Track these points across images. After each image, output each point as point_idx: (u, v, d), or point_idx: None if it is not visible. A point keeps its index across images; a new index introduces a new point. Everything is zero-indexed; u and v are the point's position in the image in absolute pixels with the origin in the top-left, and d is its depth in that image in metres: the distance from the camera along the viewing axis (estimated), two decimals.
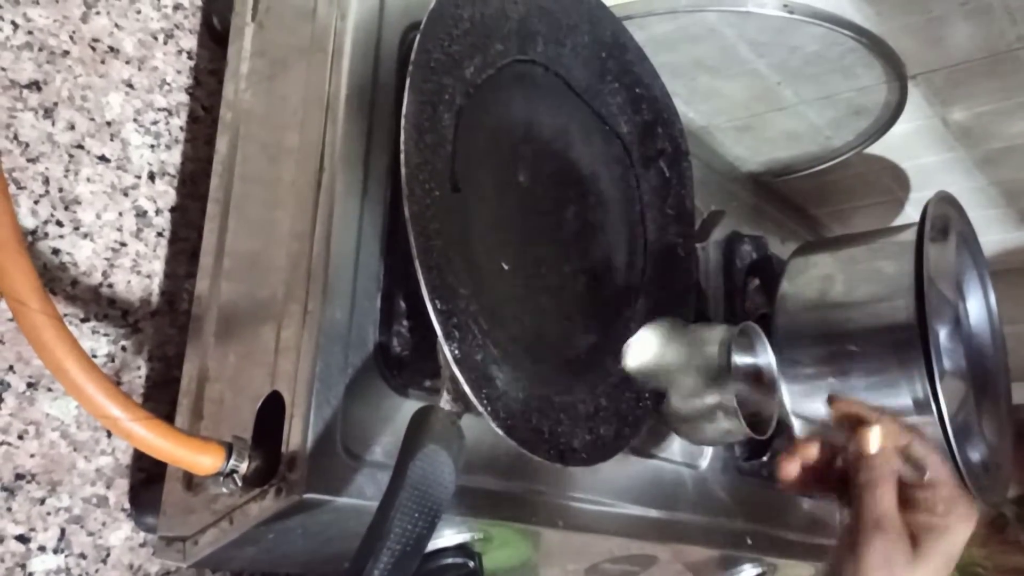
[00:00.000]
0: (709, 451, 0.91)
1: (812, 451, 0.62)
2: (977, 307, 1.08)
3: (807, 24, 0.86)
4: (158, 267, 0.75)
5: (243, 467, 0.56)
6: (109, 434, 0.70)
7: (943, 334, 0.97)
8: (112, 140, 0.73)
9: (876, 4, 0.84)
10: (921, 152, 1.12)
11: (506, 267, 0.66)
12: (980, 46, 0.90)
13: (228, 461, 0.56)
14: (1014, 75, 0.94)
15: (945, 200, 0.99)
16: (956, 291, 1.04)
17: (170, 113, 0.78)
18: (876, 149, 1.10)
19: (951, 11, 0.84)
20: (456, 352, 0.54)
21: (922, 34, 0.88)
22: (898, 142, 1.09)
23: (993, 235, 1.34)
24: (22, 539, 0.64)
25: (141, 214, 0.75)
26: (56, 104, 0.70)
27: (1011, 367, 1.11)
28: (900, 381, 0.88)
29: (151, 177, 0.76)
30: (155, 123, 0.77)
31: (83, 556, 0.68)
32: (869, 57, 0.91)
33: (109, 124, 0.73)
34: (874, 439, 0.58)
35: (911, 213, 1.27)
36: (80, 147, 0.71)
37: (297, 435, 0.56)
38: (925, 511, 0.56)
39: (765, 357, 0.87)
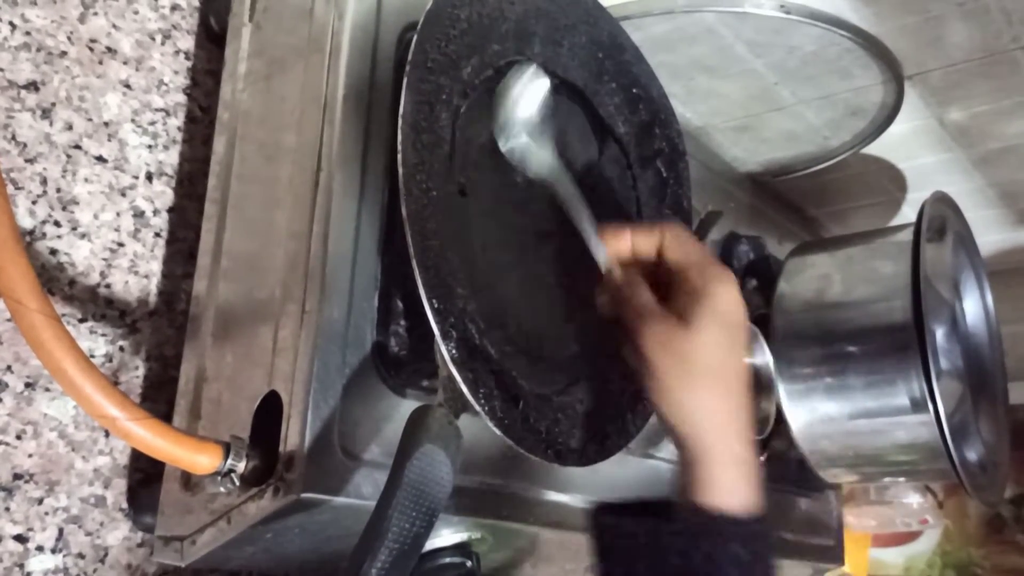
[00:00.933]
0: None
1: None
2: (974, 307, 1.09)
3: (804, 25, 0.86)
4: (156, 267, 0.75)
5: (241, 467, 0.56)
6: (107, 434, 0.70)
7: (940, 334, 0.97)
8: (110, 140, 0.73)
9: (873, 5, 0.84)
10: (918, 152, 1.13)
11: (499, 264, 0.66)
12: (977, 47, 0.90)
13: (226, 461, 0.56)
14: (1011, 75, 0.95)
15: (942, 200, 1.00)
16: (953, 291, 1.04)
17: (168, 113, 0.78)
18: (873, 149, 1.11)
19: (948, 12, 0.85)
20: (453, 352, 0.54)
21: (919, 35, 0.88)
22: (895, 142, 1.09)
23: (990, 235, 1.35)
24: (20, 539, 0.65)
25: (139, 214, 0.75)
26: (54, 104, 0.70)
27: (1008, 367, 1.12)
28: (897, 381, 0.89)
29: (149, 177, 0.76)
30: (153, 123, 0.77)
31: (81, 556, 0.68)
32: (866, 57, 0.92)
33: (107, 124, 0.73)
34: (601, 259, 0.60)
35: (908, 213, 1.27)
36: (78, 147, 0.71)
37: (295, 435, 0.56)
38: (680, 290, 0.57)
39: (762, 357, 0.87)
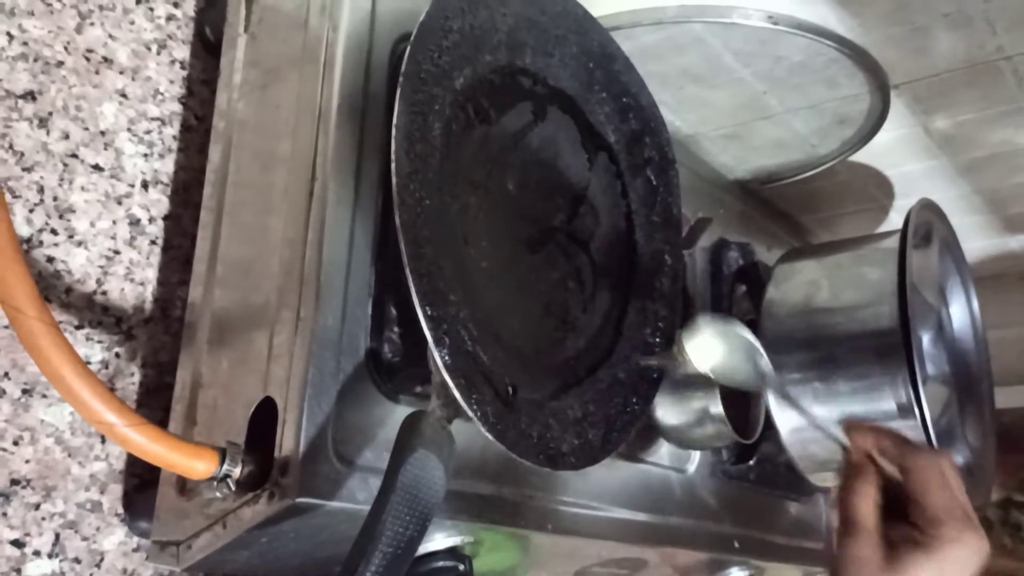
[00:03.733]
0: (696, 455, 0.92)
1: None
2: (960, 313, 1.10)
3: (791, 35, 0.87)
4: (151, 275, 0.76)
5: (236, 472, 0.57)
6: (103, 440, 0.71)
7: (926, 339, 0.98)
8: (106, 149, 0.74)
9: (859, 15, 0.85)
10: (904, 160, 1.14)
11: (492, 271, 0.67)
12: (961, 56, 0.91)
13: (222, 466, 0.56)
14: (995, 85, 0.96)
15: (928, 207, 1.01)
16: (939, 297, 1.05)
17: (163, 122, 0.79)
18: (860, 157, 1.12)
19: (933, 22, 0.86)
20: (446, 358, 0.55)
21: (904, 45, 0.89)
22: (882, 150, 1.10)
23: (976, 242, 1.36)
24: (17, 544, 0.65)
25: (135, 222, 0.75)
26: (51, 114, 0.71)
27: (994, 372, 1.12)
28: (884, 386, 0.89)
29: (144, 186, 0.77)
30: (148, 132, 0.77)
31: (77, 561, 0.68)
32: (852, 67, 0.93)
33: (103, 133, 0.74)
34: (851, 443, 0.57)
35: (895, 220, 1.29)
36: (74, 156, 0.72)
37: (290, 440, 0.57)
38: (912, 528, 0.52)
39: (760, 362, 0.88)
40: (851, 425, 0.57)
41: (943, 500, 0.52)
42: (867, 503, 0.54)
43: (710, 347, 0.64)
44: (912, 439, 0.56)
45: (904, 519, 0.53)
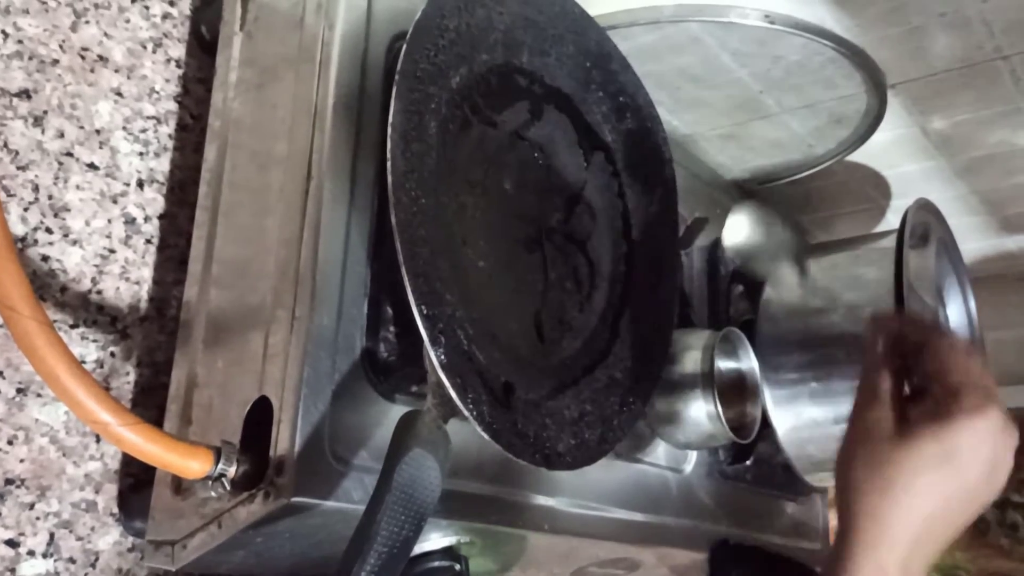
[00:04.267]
0: (693, 455, 0.92)
1: None
2: (957, 313, 1.10)
3: (788, 35, 0.87)
4: (147, 274, 0.76)
5: (231, 471, 0.57)
6: (98, 439, 0.70)
7: None
8: (101, 148, 0.74)
9: (856, 15, 0.85)
10: (901, 160, 1.14)
11: (489, 271, 0.67)
12: (958, 57, 0.91)
13: (217, 465, 0.56)
14: (992, 85, 0.96)
15: (925, 207, 1.01)
16: (936, 297, 1.05)
17: (159, 121, 0.79)
18: (857, 157, 1.12)
19: (930, 22, 0.86)
20: (442, 357, 0.55)
21: (901, 45, 0.89)
22: (879, 150, 1.10)
23: (973, 242, 1.36)
24: (11, 544, 0.65)
25: (130, 221, 0.75)
26: (46, 112, 0.71)
27: (991, 373, 1.12)
28: None
29: (140, 184, 0.76)
30: (144, 131, 0.77)
31: (72, 560, 0.68)
32: (849, 67, 0.93)
33: (98, 132, 0.74)
34: (873, 329, 0.56)
35: (892, 220, 1.28)
36: (69, 155, 0.72)
37: (285, 440, 0.56)
38: (927, 398, 0.51)
39: (748, 362, 0.88)
40: (874, 314, 0.57)
41: (964, 373, 0.50)
42: (884, 378, 0.53)
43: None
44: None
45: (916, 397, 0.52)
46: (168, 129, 0.79)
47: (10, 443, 0.66)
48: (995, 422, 0.49)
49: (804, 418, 0.94)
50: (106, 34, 0.76)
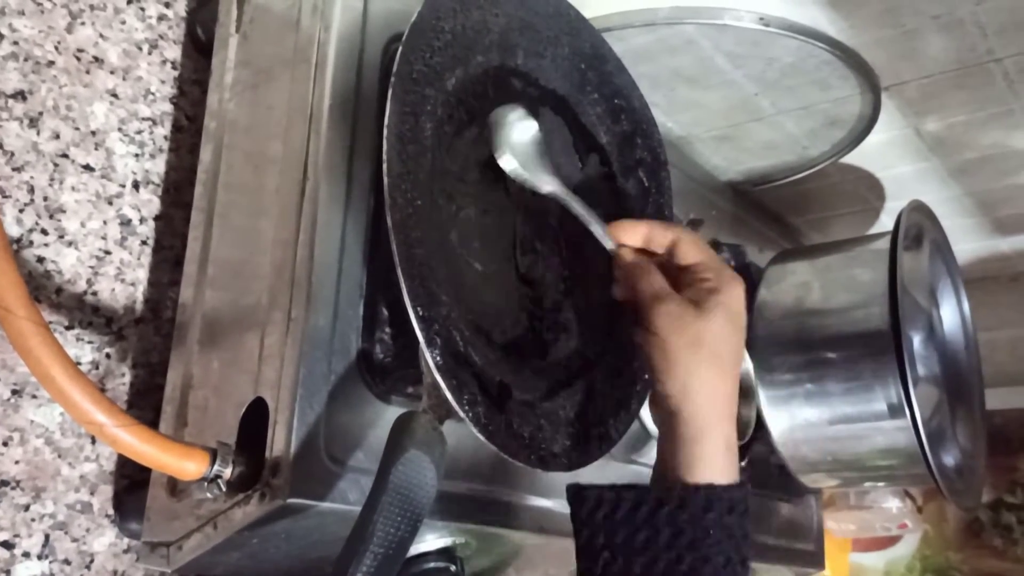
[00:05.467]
0: None
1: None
2: (951, 314, 1.10)
3: (783, 37, 0.87)
4: (142, 275, 0.76)
5: (227, 472, 0.57)
6: (93, 441, 0.70)
7: (917, 341, 0.99)
8: (97, 149, 0.74)
9: (850, 17, 0.86)
10: (895, 162, 1.14)
11: (484, 272, 0.67)
12: (952, 59, 0.92)
13: (212, 466, 0.56)
14: (985, 87, 0.96)
15: (919, 209, 1.01)
16: (930, 298, 1.06)
17: (154, 122, 0.79)
18: (851, 159, 1.12)
19: (923, 24, 0.86)
20: (438, 359, 0.55)
21: (895, 47, 0.90)
22: (873, 152, 1.10)
23: (966, 244, 1.37)
24: (6, 545, 0.65)
25: (125, 222, 0.75)
26: (41, 113, 0.71)
27: (984, 373, 1.13)
28: (875, 387, 0.90)
29: (135, 186, 0.76)
30: (139, 132, 0.77)
31: (67, 562, 0.68)
32: (844, 69, 0.93)
33: (94, 133, 0.74)
34: (609, 245, 0.65)
35: (886, 222, 1.29)
36: (65, 156, 0.72)
37: (281, 441, 0.56)
38: (696, 283, 0.61)
39: (743, 364, 0.88)
40: (616, 226, 0.65)
41: (714, 258, 0.63)
42: (658, 278, 0.61)
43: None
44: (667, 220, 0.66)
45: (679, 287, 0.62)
46: (164, 130, 0.79)
47: (5, 444, 0.66)
48: (741, 283, 0.62)
49: (799, 419, 0.95)
50: (102, 35, 0.76)
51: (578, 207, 0.65)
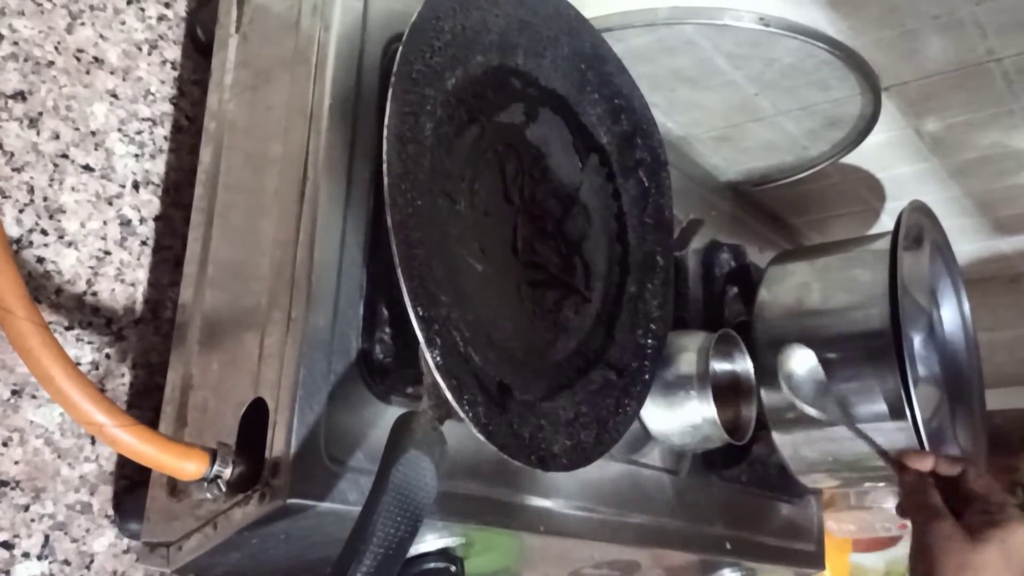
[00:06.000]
0: (688, 457, 0.92)
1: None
2: (951, 315, 1.10)
3: (783, 37, 0.87)
4: (142, 275, 0.76)
5: (227, 473, 0.57)
6: (93, 441, 0.70)
7: (917, 341, 0.99)
8: (96, 149, 0.74)
9: (850, 18, 0.86)
10: (895, 162, 1.14)
11: (484, 272, 0.67)
12: (952, 59, 0.92)
13: (212, 467, 0.56)
14: (985, 87, 0.96)
15: (919, 209, 1.01)
16: (930, 299, 1.06)
17: (154, 123, 0.79)
18: (851, 159, 1.12)
19: (923, 25, 0.86)
20: (438, 359, 0.55)
21: (895, 47, 0.90)
22: (873, 152, 1.10)
23: (967, 244, 1.37)
24: (6, 545, 0.65)
25: (125, 223, 0.75)
26: (41, 114, 0.71)
27: (984, 374, 1.13)
28: (875, 387, 0.90)
29: (135, 186, 0.76)
30: (139, 133, 0.77)
31: (67, 562, 0.68)
32: (843, 69, 0.93)
33: (94, 134, 0.74)
34: (902, 465, 0.71)
35: (886, 222, 1.29)
36: (65, 156, 0.72)
37: (281, 441, 0.56)
38: (977, 513, 0.64)
39: (743, 364, 0.89)
40: (906, 454, 0.72)
41: (1000, 494, 0.65)
42: (936, 498, 0.65)
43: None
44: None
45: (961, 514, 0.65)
46: (163, 131, 0.79)
47: (5, 445, 0.66)
48: None
49: (800, 421, 0.95)
50: (102, 36, 0.76)
51: (863, 435, 0.75)
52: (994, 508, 0.64)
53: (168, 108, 0.80)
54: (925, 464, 0.70)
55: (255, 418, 0.59)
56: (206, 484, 0.57)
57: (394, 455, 0.53)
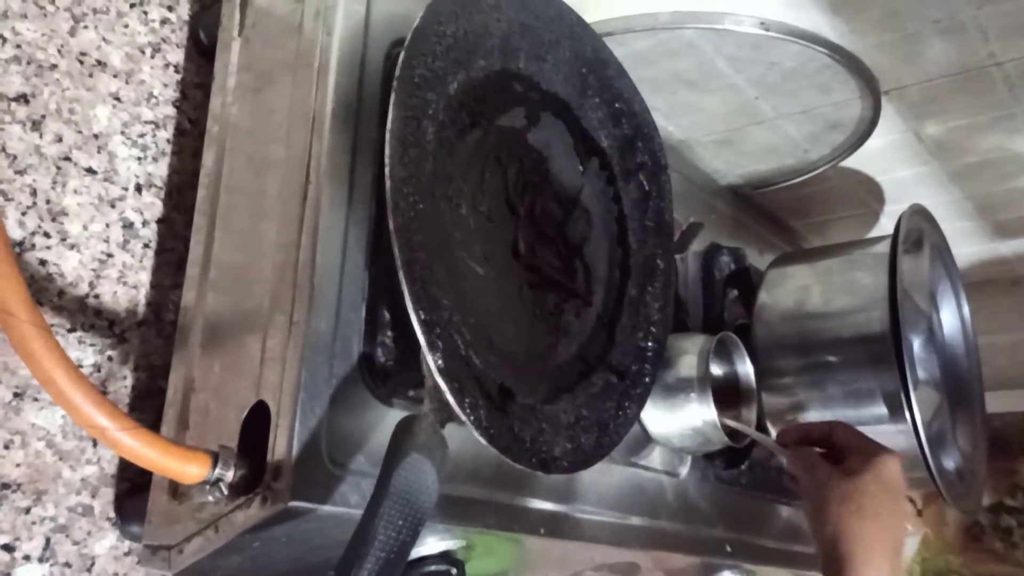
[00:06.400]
0: (688, 459, 0.92)
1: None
2: (951, 318, 1.10)
3: (783, 41, 0.87)
4: (144, 278, 0.76)
5: (229, 476, 0.57)
6: (95, 444, 0.70)
7: (917, 344, 0.99)
8: (99, 152, 0.74)
9: (850, 22, 0.86)
10: (896, 166, 1.14)
11: (485, 276, 0.67)
12: (953, 63, 0.92)
13: (214, 470, 0.56)
14: (986, 91, 0.97)
15: (919, 213, 1.01)
16: (930, 302, 1.06)
17: (157, 126, 0.79)
18: (852, 163, 1.12)
19: (924, 28, 0.86)
20: (439, 362, 0.55)
21: (896, 51, 0.90)
22: (873, 156, 1.11)
23: (966, 247, 1.37)
24: (7, 548, 0.65)
25: (128, 225, 0.75)
26: (44, 117, 0.71)
27: (984, 377, 1.13)
28: (875, 390, 0.90)
29: (138, 189, 0.76)
30: (142, 136, 0.77)
31: (68, 565, 0.68)
32: (844, 73, 0.93)
33: (96, 137, 0.74)
34: (778, 443, 0.76)
35: (886, 225, 1.29)
36: (67, 159, 0.72)
37: (282, 444, 0.57)
38: (849, 457, 0.69)
39: (743, 367, 0.89)
40: (780, 433, 0.77)
41: (867, 439, 0.71)
42: (815, 454, 0.71)
43: None
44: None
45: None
46: (166, 134, 0.79)
47: (6, 447, 0.66)
48: (897, 459, 0.69)
49: (799, 422, 0.95)
50: (104, 39, 0.76)
51: (751, 432, 0.82)
52: (864, 450, 0.69)
53: (171, 111, 0.80)
54: (796, 433, 0.75)
55: (257, 421, 0.59)
56: (208, 487, 0.57)
57: (396, 459, 0.53)
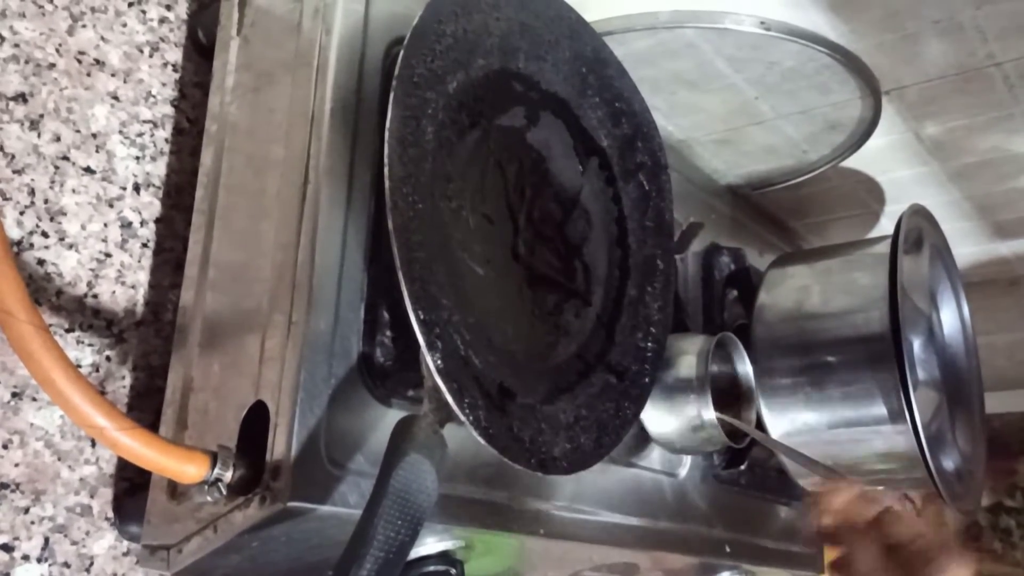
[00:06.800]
0: (688, 460, 0.92)
1: None
2: (951, 318, 1.10)
3: (783, 41, 0.87)
4: (143, 278, 0.76)
5: (228, 476, 0.57)
6: (93, 443, 0.70)
7: (917, 344, 0.99)
8: (97, 152, 0.74)
9: (850, 22, 0.86)
10: (895, 166, 1.14)
11: (484, 275, 0.67)
12: (952, 63, 0.92)
13: (213, 470, 0.56)
14: (985, 91, 0.97)
15: (919, 213, 1.01)
16: (930, 302, 1.06)
17: (155, 125, 0.79)
18: (851, 163, 1.12)
19: (924, 29, 0.86)
20: (439, 362, 0.55)
21: (895, 51, 0.90)
22: (873, 156, 1.11)
23: (966, 247, 1.37)
24: (6, 548, 0.65)
25: (126, 225, 0.75)
26: (42, 116, 0.71)
27: (984, 377, 1.13)
28: (875, 391, 0.90)
29: (136, 188, 0.76)
30: (140, 135, 0.77)
31: (67, 565, 0.68)
32: (844, 73, 0.93)
33: (95, 136, 0.74)
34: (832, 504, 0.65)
35: (886, 225, 1.29)
36: (66, 159, 0.72)
37: (281, 444, 0.56)
38: (921, 561, 0.61)
39: (742, 367, 0.89)
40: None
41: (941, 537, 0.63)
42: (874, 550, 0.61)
43: None
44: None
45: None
46: (165, 133, 0.79)
47: (5, 447, 0.66)
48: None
49: (798, 423, 0.95)
50: (103, 38, 0.76)
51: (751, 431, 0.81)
52: (932, 551, 0.61)
53: (169, 110, 0.80)
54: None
55: (256, 421, 0.59)
56: (207, 487, 0.57)
57: (395, 459, 0.53)
